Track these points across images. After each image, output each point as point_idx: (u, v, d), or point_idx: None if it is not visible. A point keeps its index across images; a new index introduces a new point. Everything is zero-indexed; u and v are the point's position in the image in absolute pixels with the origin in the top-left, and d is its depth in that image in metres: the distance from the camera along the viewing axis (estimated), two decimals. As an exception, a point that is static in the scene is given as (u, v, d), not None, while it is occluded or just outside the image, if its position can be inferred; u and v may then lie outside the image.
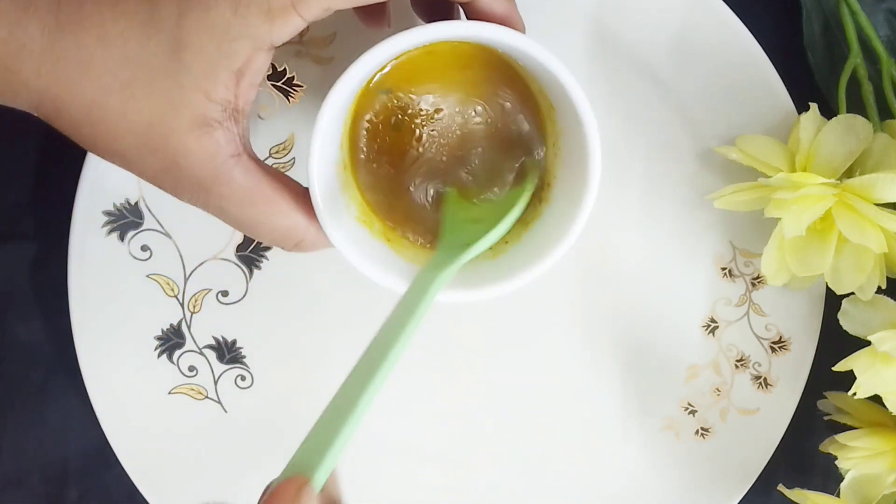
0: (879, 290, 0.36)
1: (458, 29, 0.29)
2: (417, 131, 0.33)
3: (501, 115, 0.34)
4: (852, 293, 0.36)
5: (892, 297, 0.36)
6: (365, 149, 0.33)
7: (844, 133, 0.35)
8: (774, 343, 0.40)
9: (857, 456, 0.36)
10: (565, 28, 0.38)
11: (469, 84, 0.33)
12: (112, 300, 0.38)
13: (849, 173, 0.36)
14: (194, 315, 0.39)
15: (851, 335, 0.36)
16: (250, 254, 0.39)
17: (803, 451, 0.41)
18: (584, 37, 0.38)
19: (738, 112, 0.38)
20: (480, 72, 0.33)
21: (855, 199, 0.34)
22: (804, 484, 0.38)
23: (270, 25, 0.26)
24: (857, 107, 0.37)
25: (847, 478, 0.37)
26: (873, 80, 0.38)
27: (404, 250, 0.33)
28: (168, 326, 0.39)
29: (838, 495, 0.37)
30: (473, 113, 0.34)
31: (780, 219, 0.35)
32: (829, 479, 0.39)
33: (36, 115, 0.28)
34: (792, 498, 0.38)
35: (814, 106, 0.36)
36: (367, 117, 0.33)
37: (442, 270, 0.28)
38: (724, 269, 0.40)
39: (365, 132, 0.33)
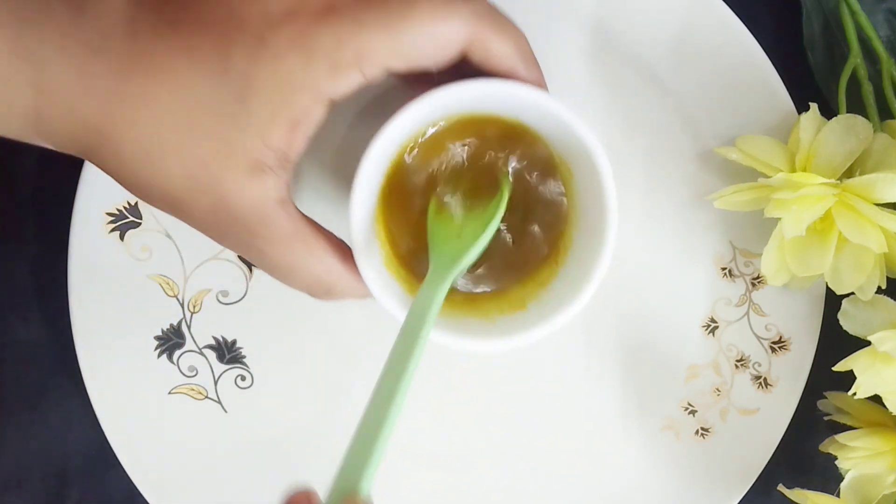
0: (879, 290, 0.36)
1: (494, 87, 0.30)
2: (438, 188, 0.35)
3: (522, 182, 0.35)
4: (852, 293, 0.36)
5: (892, 297, 0.36)
6: (394, 201, 0.34)
7: (844, 133, 0.35)
8: (774, 343, 0.40)
9: (857, 456, 0.36)
10: (565, 28, 0.38)
11: (492, 150, 0.35)
12: (112, 300, 0.38)
13: (849, 173, 0.36)
14: (194, 315, 0.39)
15: (851, 335, 0.36)
16: (250, 254, 0.39)
17: (803, 451, 0.41)
18: (584, 37, 0.38)
19: (738, 112, 0.38)
20: (504, 139, 0.34)
21: (855, 199, 0.34)
22: (804, 484, 0.38)
23: (334, 80, 0.27)
24: (857, 107, 0.37)
25: (847, 478, 0.37)
26: (873, 80, 0.38)
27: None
28: (168, 326, 0.39)
29: (838, 495, 0.37)
30: (495, 179, 0.35)
31: (780, 219, 0.35)
32: (829, 479, 0.39)
33: (89, 159, 0.29)
34: (792, 498, 0.38)
35: (814, 106, 0.36)
36: (400, 171, 0.34)
37: (437, 289, 0.29)
38: (724, 269, 0.40)
39: (396, 184, 0.34)
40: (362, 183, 0.30)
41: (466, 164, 0.34)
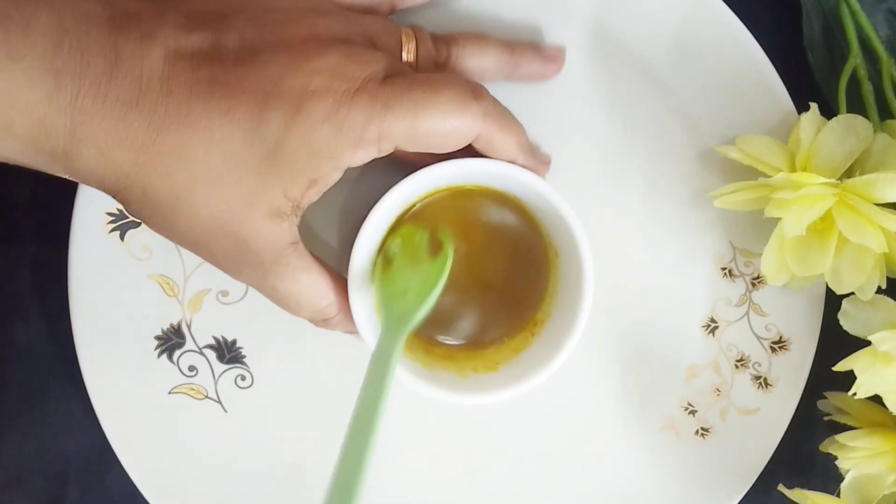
0: (879, 290, 0.36)
1: (497, 167, 0.34)
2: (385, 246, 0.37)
3: (509, 255, 0.38)
4: (852, 293, 0.36)
5: (892, 297, 0.36)
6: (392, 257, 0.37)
7: (844, 133, 0.35)
8: (774, 343, 0.40)
9: (857, 456, 0.36)
10: (565, 28, 0.38)
11: (484, 223, 0.38)
12: (112, 300, 0.38)
13: (849, 173, 0.36)
14: (194, 315, 0.39)
15: (851, 335, 0.36)
16: (250, 254, 0.39)
17: (803, 451, 0.41)
18: (585, 37, 0.38)
19: (738, 112, 0.38)
20: (496, 216, 0.37)
21: (855, 199, 0.34)
22: (804, 484, 0.38)
23: (355, 152, 0.30)
24: (857, 107, 0.37)
25: (847, 478, 0.37)
26: (873, 80, 0.38)
27: (416, 354, 0.37)
28: (168, 326, 0.39)
29: (838, 495, 0.37)
30: (485, 252, 0.38)
31: (780, 219, 0.35)
32: (829, 479, 0.39)
33: (112, 197, 0.31)
34: (792, 498, 0.38)
35: (814, 106, 0.36)
36: (399, 230, 0.37)
37: (392, 351, 0.32)
38: (724, 269, 0.40)
39: (396, 241, 0.37)
40: (365, 237, 0.33)
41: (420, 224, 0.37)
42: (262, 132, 0.29)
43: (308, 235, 0.38)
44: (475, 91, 0.32)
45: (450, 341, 0.39)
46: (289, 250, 0.32)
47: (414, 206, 0.37)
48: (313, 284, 0.33)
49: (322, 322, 0.35)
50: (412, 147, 0.31)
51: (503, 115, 0.33)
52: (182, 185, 0.30)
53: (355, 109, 0.30)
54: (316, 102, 0.30)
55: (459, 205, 0.37)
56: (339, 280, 0.34)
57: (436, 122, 0.31)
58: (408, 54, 0.34)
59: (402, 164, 0.34)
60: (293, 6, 0.32)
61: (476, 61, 0.35)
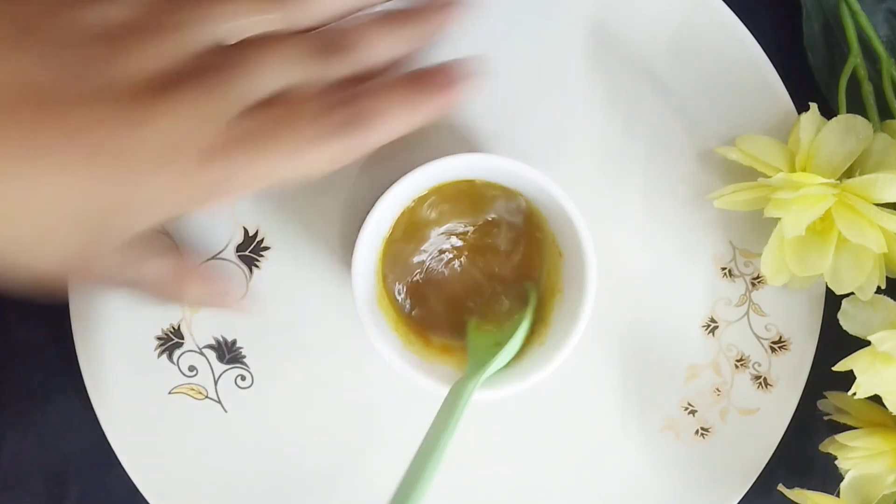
0: (879, 290, 0.36)
1: (494, 161, 0.34)
2: (435, 255, 0.38)
3: (513, 257, 0.38)
4: (852, 293, 0.36)
5: (892, 297, 0.36)
6: (395, 248, 0.37)
7: (844, 133, 0.35)
8: (774, 343, 0.40)
9: (857, 456, 0.36)
10: (565, 28, 0.38)
11: (488, 219, 0.38)
12: (112, 300, 0.38)
13: (849, 173, 0.36)
14: (194, 315, 0.39)
15: (851, 335, 0.36)
16: (250, 254, 0.39)
17: (803, 451, 0.41)
18: (585, 37, 0.38)
19: (738, 112, 0.38)
20: (501, 212, 0.38)
21: (855, 199, 0.34)
22: (804, 484, 0.38)
23: (201, 205, 0.29)
24: (857, 107, 0.37)
25: (847, 478, 0.37)
26: (873, 80, 0.38)
27: (414, 347, 0.37)
28: (168, 326, 0.39)
29: (838, 495, 0.37)
30: (488, 253, 0.38)
31: (780, 219, 0.35)
32: (829, 479, 0.39)
33: None
34: (792, 498, 0.38)
35: (814, 106, 0.36)
36: (403, 224, 0.37)
37: (471, 383, 0.34)
38: (724, 269, 0.40)
39: (399, 235, 0.37)
40: (369, 229, 0.34)
41: (493, 277, 0.38)
42: (98, 190, 0.27)
43: (311, 231, 0.38)
44: (323, 127, 0.30)
45: (449, 336, 0.39)
46: (125, 273, 0.33)
47: (418, 199, 0.37)
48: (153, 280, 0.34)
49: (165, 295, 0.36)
50: (270, 188, 0.31)
51: (362, 121, 0.30)
52: (8, 243, 0.27)
53: (203, 175, 0.28)
54: (162, 168, 0.28)
55: (464, 200, 0.37)
56: (174, 249, 0.35)
57: (285, 168, 0.29)
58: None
59: (406, 159, 0.34)
60: (108, 33, 0.28)
61: (377, 56, 0.32)
